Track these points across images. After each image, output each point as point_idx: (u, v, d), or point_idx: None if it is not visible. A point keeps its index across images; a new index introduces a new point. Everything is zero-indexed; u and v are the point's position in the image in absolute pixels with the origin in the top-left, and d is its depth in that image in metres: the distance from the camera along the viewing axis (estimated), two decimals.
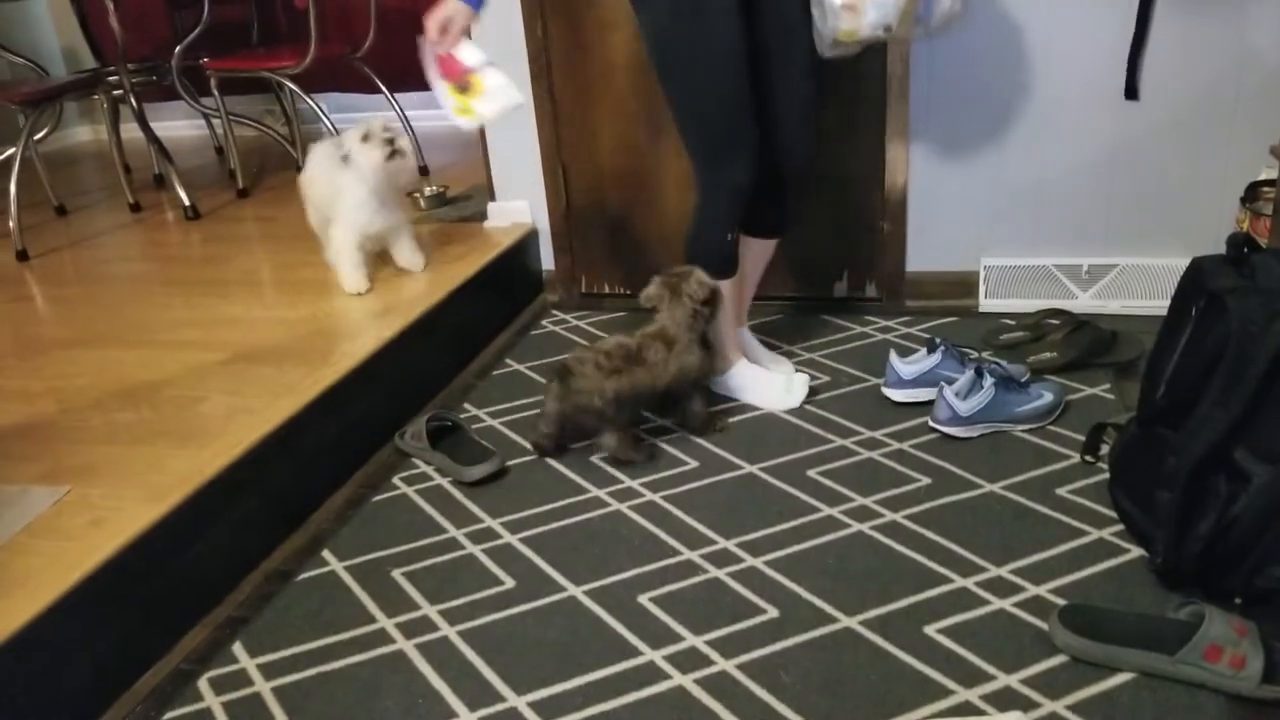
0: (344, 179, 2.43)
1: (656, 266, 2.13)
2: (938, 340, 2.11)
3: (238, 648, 1.54)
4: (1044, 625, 1.45)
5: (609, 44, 2.62)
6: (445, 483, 1.97)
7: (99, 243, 3.19)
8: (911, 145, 2.51)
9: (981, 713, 1.31)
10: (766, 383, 2.18)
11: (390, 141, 2.38)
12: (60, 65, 4.88)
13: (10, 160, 3.22)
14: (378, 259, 2.61)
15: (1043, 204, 2.49)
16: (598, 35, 2.62)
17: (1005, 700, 1.33)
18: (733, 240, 2.05)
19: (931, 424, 1.99)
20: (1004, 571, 1.58)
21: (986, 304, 2.56)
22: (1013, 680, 1.36)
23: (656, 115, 2.64)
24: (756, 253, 2.21)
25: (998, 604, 1.51)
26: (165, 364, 2.11)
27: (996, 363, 2.03)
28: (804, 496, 1.82)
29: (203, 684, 1.47)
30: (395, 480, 2.00)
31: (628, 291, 2.80)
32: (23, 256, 3.03)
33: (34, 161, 3.52)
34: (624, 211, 2.72)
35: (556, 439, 2.03)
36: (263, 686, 1.46)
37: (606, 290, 2.85)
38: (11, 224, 3.05)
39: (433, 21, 1.91)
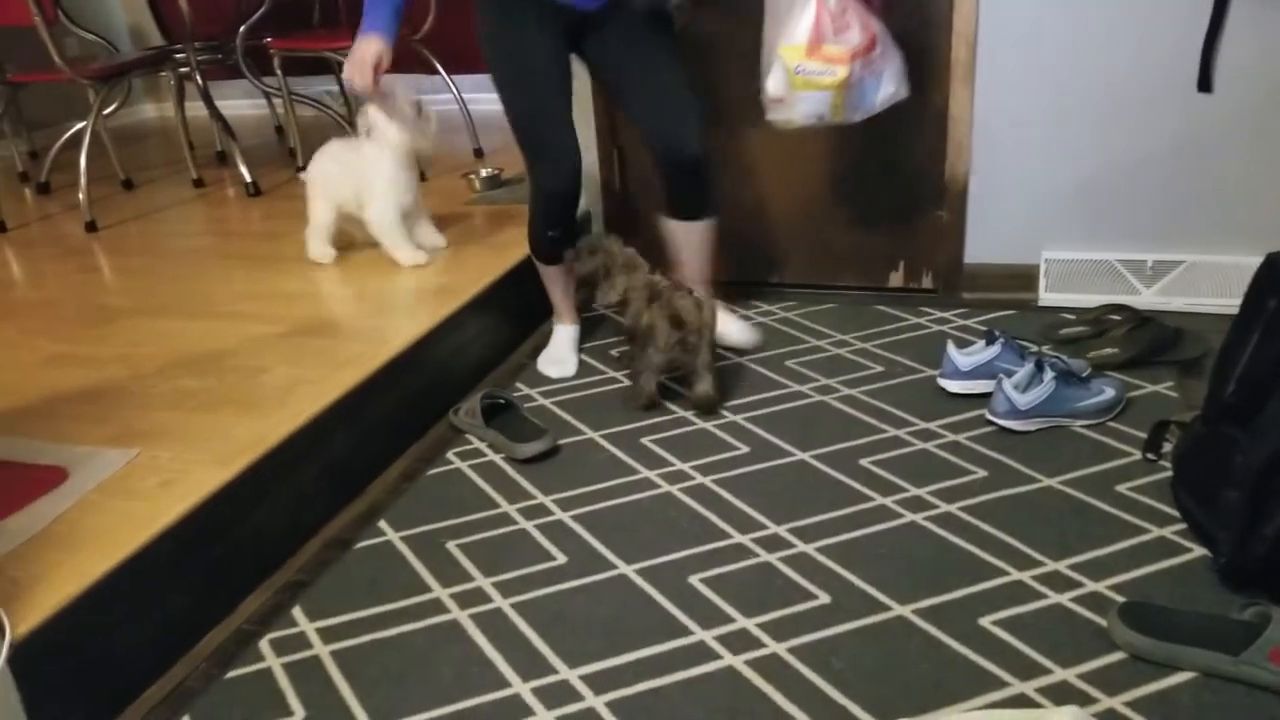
0: (368, 160, 2.46)
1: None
2: (996, 332, 2.08)
3: (297, 611, 1.58)
4: (1102, 621, 1.43)
5: None
6: (498, 459, 2.00)
7: (164, 216, 3.26)
8: (974, 133, 2.48)
9: (1037, 706, 1.30)
10: (548, 349, 2.38)
11: (417, 104, 2.46)
12: (126, 42, 4.98)
13: (81, 134, 3.30)
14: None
15: (1107, 197, 2.45)
16: None
17: (1061, 695, 1.32)
18: (553, 237, 2.22)
19: (988, 417, 1.97)
20: (1061, 566, 1.56)
21: (1046, 298, 2.52)
22: (1069, 675, 1.35)
23: (715, 100, 2.63)
24: (681, 236, 2.27)
25: (1054, 598, 1.49)
26: (228, 335, 2.16)
27: (1057, 357, 2.01)
28: (856, 485, 1.82)
29: (264, 645, 1.51)
30: (449, 455, 2.02)
31: None
32: (91, 228, 3.10)
33: (102, 136, 3.61)
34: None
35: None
36: (321, 650, 1.49)
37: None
38: (81, 196, 3.13)
39: (354, 66, 2.12)
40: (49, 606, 1.31)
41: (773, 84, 2.06)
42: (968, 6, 2.39)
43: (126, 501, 1.53)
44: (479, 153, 3.69)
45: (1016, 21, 2.37)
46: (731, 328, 2.38)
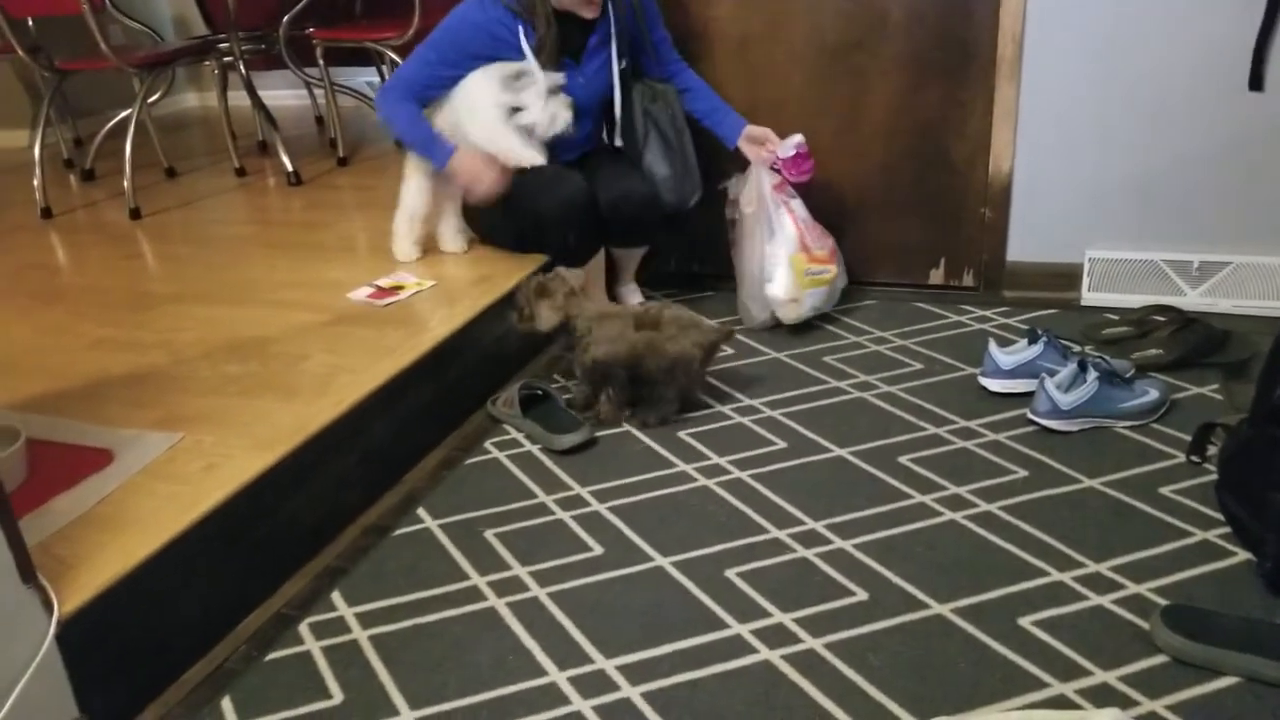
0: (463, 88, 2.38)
1: None
2: (1039, 331, 2.06)
3: (336, 596, 1.59)
4: (1144, 624, 1.41)
5: (712, 16, 2.61)
6: (535, 449, 2.00)
7: (206, 204, 3.30)
8: (1019, 130, 2.45)
9: (1077, 708, 1.29)
10: None
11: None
12: (170, 32, 5.04)
13: (125, 123, 3.34)
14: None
15: (1153, 196, 2.41)
16: (702, 9, 2.61)
17: (1102, 697, 1.30)
18: (573, 240, 2.31)
19: (1030, 416, 1.95)
20: (1103, 568, 1.54)
21: (1089, 298, 2.49)
22: (1110, 677, 1.33)
23: (753, 91, 2.62)
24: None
25: (1096, 600, 1.48)
26: (270, 322, 2.18)
27: (1101, 357, 1.98)
28: (895, 482, 1.81)
29: (303, 629, 1.53)
30: (487, 445, 2.03)
31: (717, 271, 2.79)
32: (135, 215, 3.15)
33: (147, 125, 3.66)
34: (716, 191, 2.70)
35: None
36: (360, 635, 1.51)
37: (696, 269, 2.85)
38: (126, 184, 3.17)
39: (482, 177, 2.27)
40: (95, 586, 1.33)
41: (781, 288, 2.35)
42: (1015, 3, 2.36)
43: (170, 484, 1.55)
44: None
45: (1065, 18, 2.34)
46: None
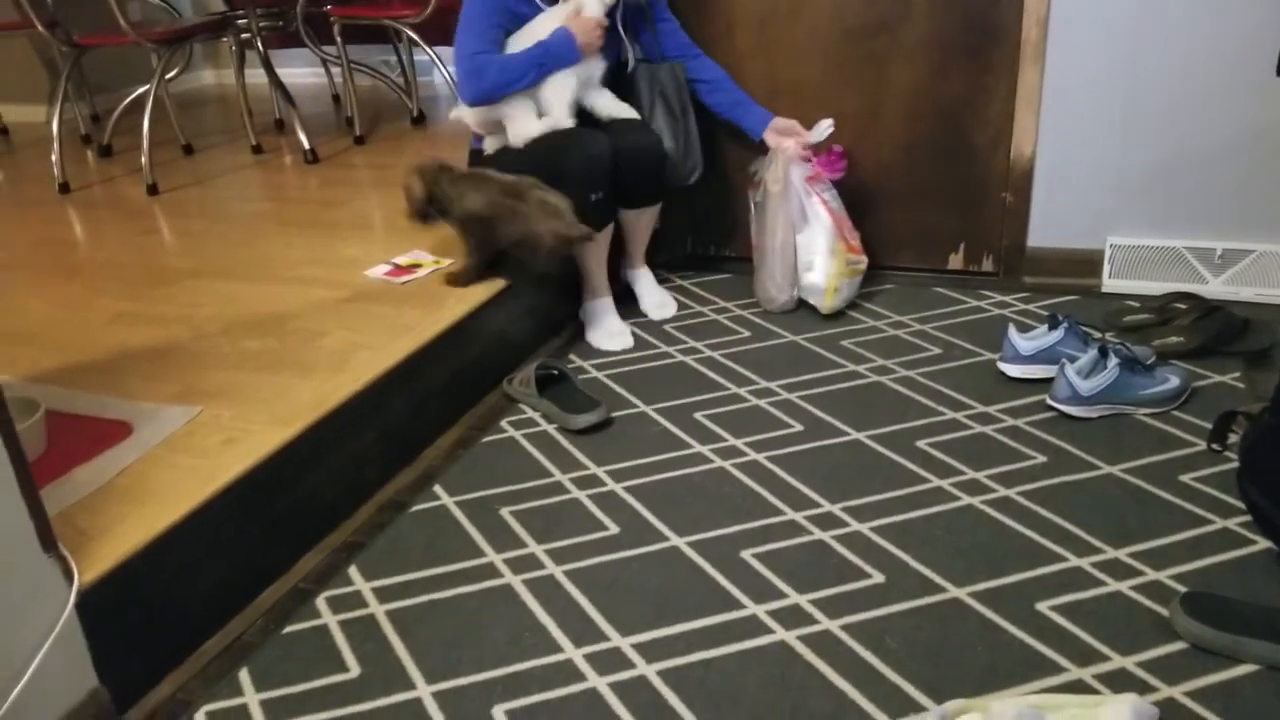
0: None
1: None
2: (1060, 317, 2.04)
3: (353, 571, 1.60)
4: (1163, 610, 1.40)
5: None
6: (551, 429, 2.00)
7: (223, 181, 3.30)
8: (1042, 114, 2.43)
9: (1095, 693, 1.28)
10: (599, 323, 2.38)
11: None
12: (188, 8, 5.03)
13: (143, 99, 3.34)
14: None
15: (1177, 183, 2.39)
16: None
17: (1120, 682, 1.30)
18: (597, 200, 2.24)
19: (1049, 402, 1.94)
20: (1121, 554, 1.54)
21: (1110, 284, 2.47)
22: (1128, 663, 1.33)
23: (773, 72, 2.60)
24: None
25: (1114, 586, 1.47)
26: (287, 298, 2.18)
27: (1122, 343, 1.97)
28: (912, 466, 1.80)
29: (320, 602, 1.53)
30: (503, 424, 2.03)
31: (734, 254, 2.78)
32: (152, 191, 3.15)
33: (165, 101, 3.65)
34: (733, 172, 2.69)
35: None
36: (377, 609, 1.51)
37: (712, 252, 2.84)
38: (143, 160, 3.18)
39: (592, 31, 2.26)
40: (114, 556, 1.34)
41: (822, 276, 2.36)
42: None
43: (189, 458, 1.56)
44: None
45: (1091, 1, 2.31)
46: (652, 297, 2.51)
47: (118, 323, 2.13)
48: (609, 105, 2.37)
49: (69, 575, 1.27)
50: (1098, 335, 2.17)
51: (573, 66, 2.25)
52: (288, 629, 1.49)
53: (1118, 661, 1.33)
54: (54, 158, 3.26)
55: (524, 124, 2.26)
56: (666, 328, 2.43)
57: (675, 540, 1.64)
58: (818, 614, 1.45)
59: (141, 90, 3.53)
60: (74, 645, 1.28)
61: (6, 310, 2.26)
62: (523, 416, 2.06)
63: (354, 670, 1.40)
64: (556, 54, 2.22)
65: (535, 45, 2.23)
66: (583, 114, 2.33)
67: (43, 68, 4.41)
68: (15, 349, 2.02)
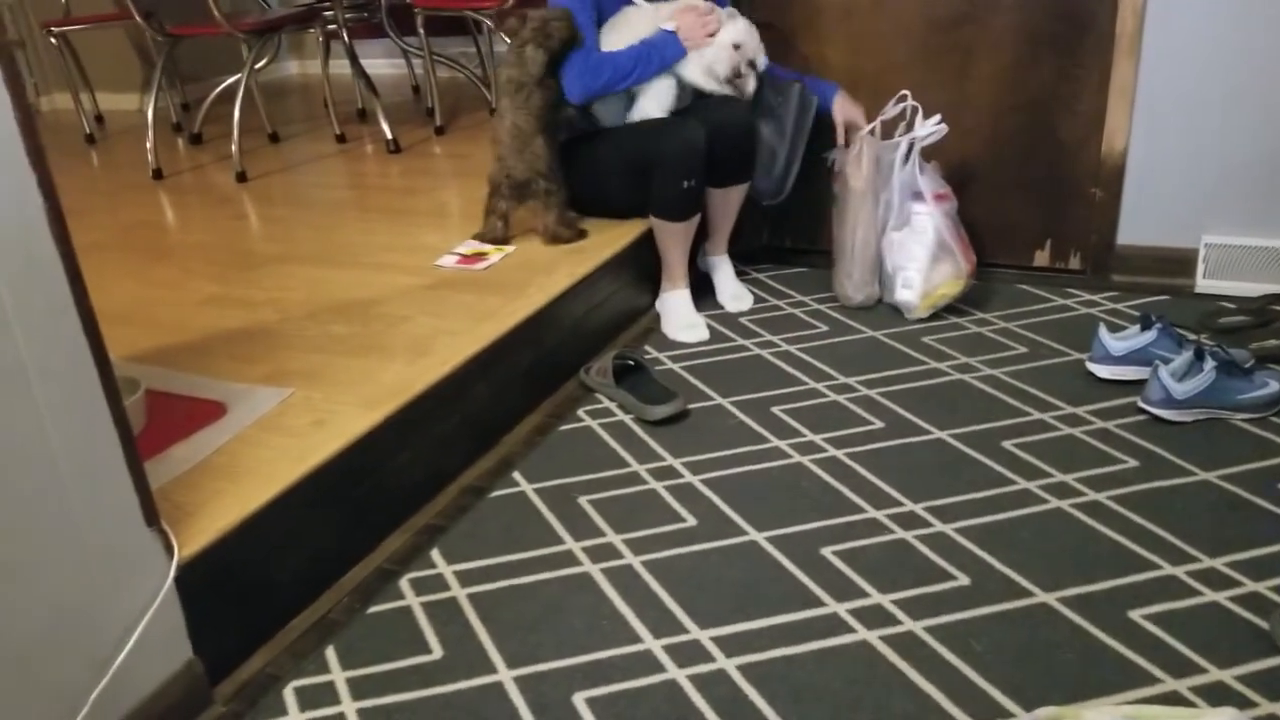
0: None
1: None
2: (1153, 317, 1.98)
3: (435, 554, 1.62)
4: (1262, 623, 1.36)
5: None
6: (627, 419, 2.01)
7: (308, 169, 3.37)
8: (1135, 108, 2.36)
9: (1191, 705, 1.25)
10: (675, 315, 2.37)
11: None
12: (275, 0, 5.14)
13: (233, 88, 3.43)
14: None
15: (1276, 180, 2.30)
16: None
17: (1218, 695, 1.26)
18: (690, 187, 2.27)
19: (1141, 404, 1.88)
20: (1217, 563, 1.49)
21: (1204, 284, 2.39)
22: (1226, 675, 1.28)
23: (855, 61, 2.57)
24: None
25: (1210, 596, 1.42)
26: (372, 284, 2.22)
27: (1218, 346, 1.90)
28: (998, 467, 1.76)
29: (403, 584, 1.56)
30: (580, 412, 2.04)
31: (811, 247, 2.76)
32: (241, 178, 3.23)
33: (253, 91, 3.74)
34: (812, 163, 2.66)
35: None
36: (458, 592, 1.53)
37: (789, 244, 2.82)
38: (233, 147, 3.26)
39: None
40: (211, 532, 1.38)
41: (916, 295, 2.31)
42: None
43: (282, 437, 1.59)
44: None
45: None
46: (729, 288, 2.49)
47: (209, 304, 2.19)
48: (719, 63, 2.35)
49: (169, 549, 1.31)
50: (1192, 337, 2.10)
51: (673, 68, 2.29)
52: (372, 609, 1.51)
53: (1215, 674, 1.29)
54: (148, 145, 3.36)
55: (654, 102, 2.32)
56: (742, 321, 2.41)
57: (754, 534, 1.63)
58: (900, 614, 1.43)
59: (232, 80, 3.62)
60: (172, 617, 1.32)
61: (104, 290, 2.30)
62: (599, 406, 2.07)
63: (437, 652, 1.42)
64: (662, 52, 2.25)
65: (640, 44, 2.24)
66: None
67: (136, 58, 4.55)
68: (113, 329, 2.04)
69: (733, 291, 2.50)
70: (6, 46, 1.09)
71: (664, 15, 2.30)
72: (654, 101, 2.31)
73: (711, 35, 2.27)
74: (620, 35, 2.29)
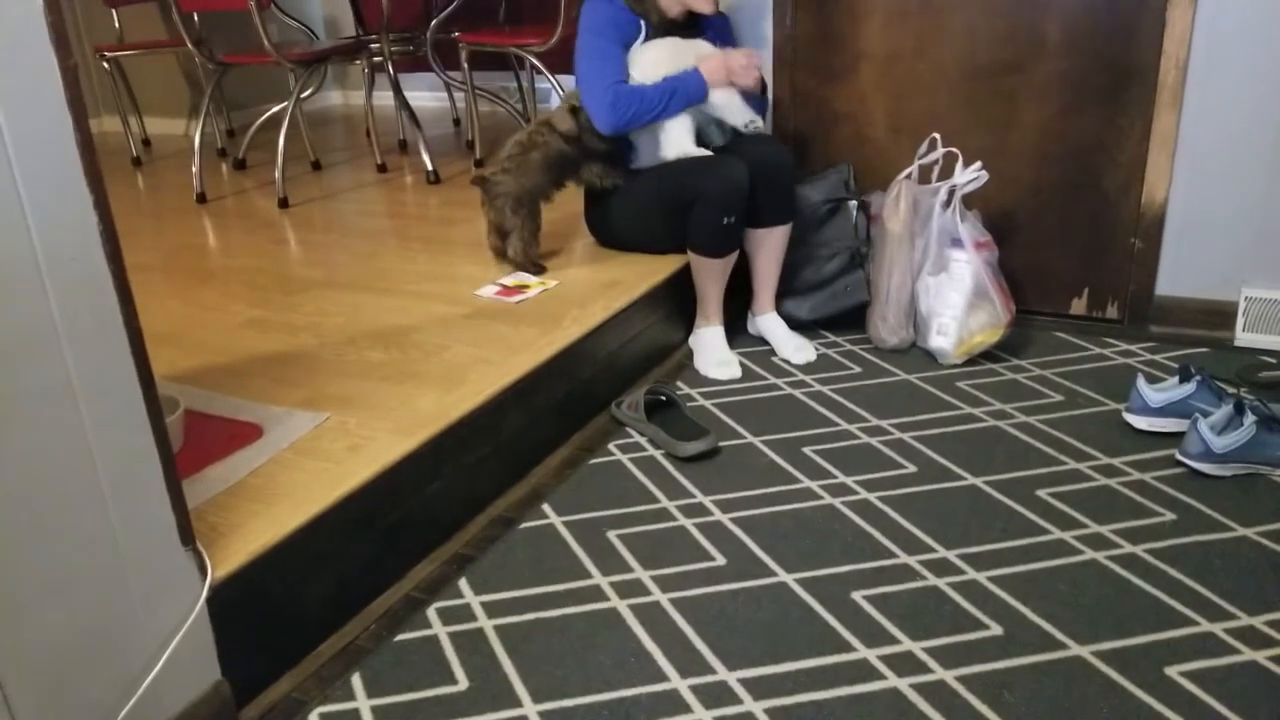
0: None
1: None
2: (1192, 369, 1.96)
3: (463, 583, 1.62)
4: None
5: (859, 34, 2.59)
6: (658, 454, 2.01)
7: (349, 197, 3.42)
8: (1177, 159, 2.35)
9: None
10: (708, 351, 2.38)
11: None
12: (322, 31, 5.25)
13: (279, 116, 3.49)
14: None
15: None
16: (849, 25, 2.58)
17: None
18: (730, 224, 2.29)
19: (1179, 457, 1.86)
20: (1257, 622, 1.46)
21: (1243, 338, 2.36)
22: None
23: (896, 106, 2.58)
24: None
25: (1250, 655, 1.39)
26: (411, 311, 2.24)
27: (1260, 400, 1.88)
28: (1032, 516, 1.74)
29: (431, 613, 1.56)
30: (611, 446, 2.04)
31: None
32: (283, 204, 3.29)
33: (298, 119, 3.81)
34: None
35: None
36: (485, 623, 1.53)
37: None
38: (277, 174, 3.32)
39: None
40: (245, 554, 1.38)
41: (951, 344, 2.30)
42: (1181, 27, 2.26)
43: (317, 461, 1.61)
44: None
45: (1233, 46, 2.23)
46: (790, 342, 2.44)
47: (250, 327, 2.22)
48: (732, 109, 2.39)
49: (203, 570, 1.33)
50: (1232, 390, 2.08)
51: (695, 106, 2.32)
52: (399, 636, 1.52)
53: None
54: (194, 169, 3.43)
55: (679, 142, 2.34)
56: (775, 360, 2.41)
57: (783, 575, 1.62)
58: (932, 662, 1.41)
59: (277, 108, 3.69)
60: (202, 638, 1.33)
61: (148, 310, 2.35)
62: (630, 440, 2.07)
63: (462, 683, 1.41)
64: (686, 89, 2.29)
65: (666, 80, 2.28)
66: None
67: (185, 84, 4.66)
68: (155, 348, 2.08)
69: (795, 344, 2.44)
70: (72, 69, 1.12)
71: (669, 48, 2.33)
72: (680, 131, 2.34)
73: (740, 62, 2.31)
74: (653, 66, 2.33)
